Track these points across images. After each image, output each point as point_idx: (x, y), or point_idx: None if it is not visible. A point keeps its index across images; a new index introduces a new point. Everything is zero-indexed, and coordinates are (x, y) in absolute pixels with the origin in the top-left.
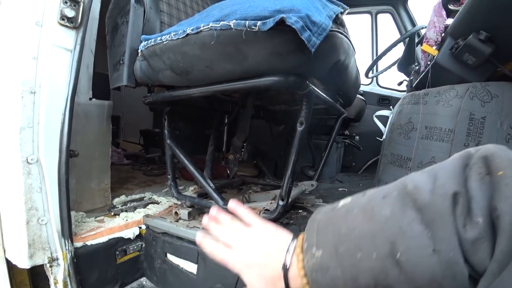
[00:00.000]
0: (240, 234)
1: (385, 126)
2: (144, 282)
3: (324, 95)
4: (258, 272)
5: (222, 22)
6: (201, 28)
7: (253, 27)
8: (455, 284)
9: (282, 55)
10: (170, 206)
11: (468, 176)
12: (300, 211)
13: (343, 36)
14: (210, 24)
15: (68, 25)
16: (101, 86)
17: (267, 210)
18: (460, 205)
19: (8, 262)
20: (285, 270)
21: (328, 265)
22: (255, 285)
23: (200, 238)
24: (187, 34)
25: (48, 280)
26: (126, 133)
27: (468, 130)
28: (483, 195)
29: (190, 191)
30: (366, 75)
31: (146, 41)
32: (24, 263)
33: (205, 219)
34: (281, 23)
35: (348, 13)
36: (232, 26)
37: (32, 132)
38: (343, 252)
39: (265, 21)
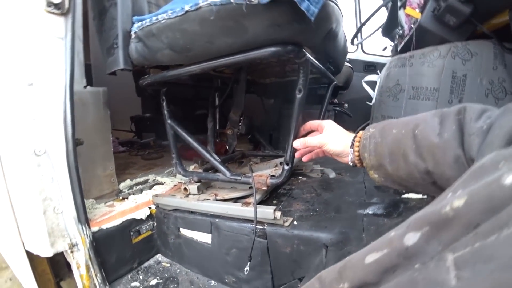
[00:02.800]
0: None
1: (373, 91)
2: (160, 259)
3: (318, 63)
4: (340, 142)
5: None
6: (200, 4)
7: (252, 0)
8: (448, 159)
9: (281, 25)
10: (175, 185)
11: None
12: (300, 177)
13: (334, 4)
14: (210, 0)
15: (56, 11)
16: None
17: (273, 175)
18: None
19: (28, 254)
20: (353, 141)
21: (374, 135)
22: (336, 148)
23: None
24: (186, 12)
25: (68, 267)
26: (116, 122)
27: (452, 87)
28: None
29: (192, 169)
30: (352, 42)
31: (140, 22)
32: (47, 252)
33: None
34: None
35: None
36: (232, 0)
37: (35, 124)
38: (386, 129)
39: None
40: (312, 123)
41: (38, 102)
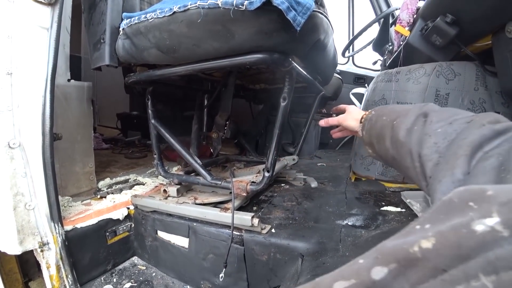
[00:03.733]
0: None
1: (360, 103)
2: (136, 261)
3: (305, 73)
4: (354, 120)
5: (210, 1)
6: (189, 6)
7: (240, 6)
8: (403, 151)
9: (267, 33)
10: (156, 186)
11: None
12: (282, 184)
13: (323, 16)
14: (198, 3)
15: (43, 1)
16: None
17: (253, 182)
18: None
19: None
20: (361, 119)
21: (372, 118)
22: (352, 123)
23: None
24: (174, 12)
25: (38, 266)
26: (102, 118)
27: None
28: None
29: (174, 171)
30: (343, 54)
31: (129, 19)
32: (14, 250)
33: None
34: (268, 3)
35: None
36: (220, 4)
37: (12, 115)
38: (380, 115)
39: (252, 0)
40: (340, 107)
41: (17, 92)
